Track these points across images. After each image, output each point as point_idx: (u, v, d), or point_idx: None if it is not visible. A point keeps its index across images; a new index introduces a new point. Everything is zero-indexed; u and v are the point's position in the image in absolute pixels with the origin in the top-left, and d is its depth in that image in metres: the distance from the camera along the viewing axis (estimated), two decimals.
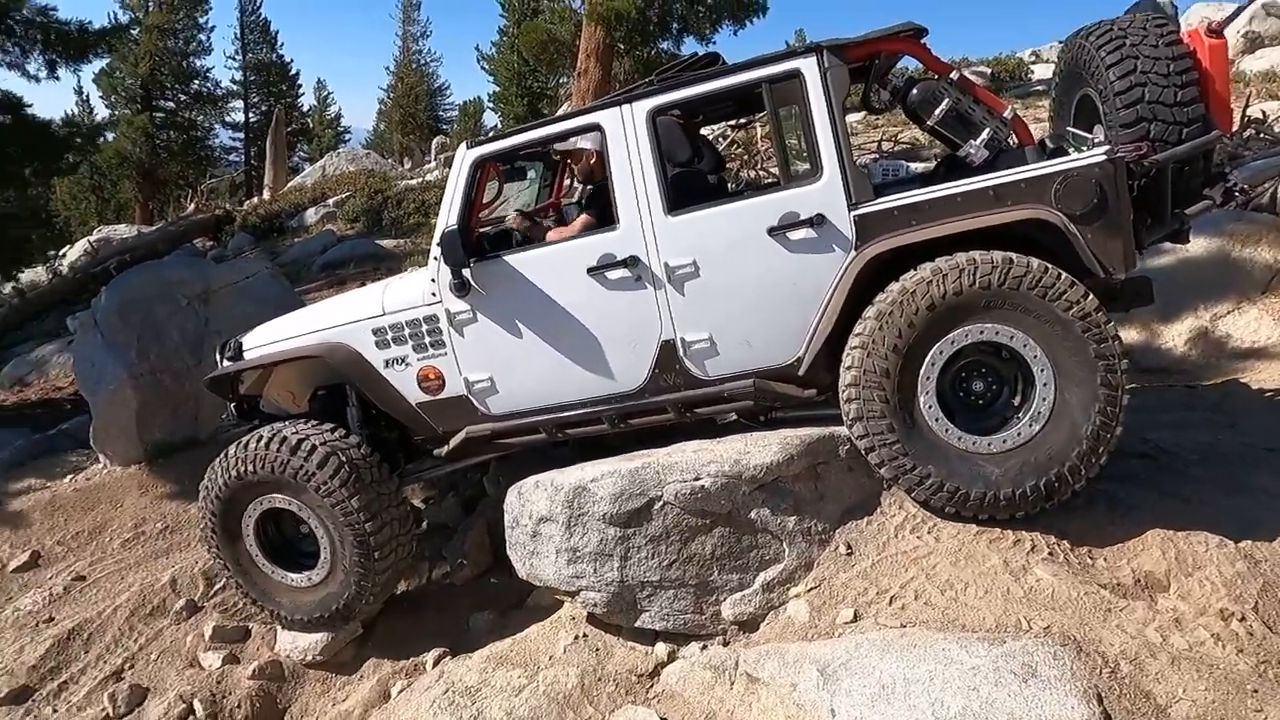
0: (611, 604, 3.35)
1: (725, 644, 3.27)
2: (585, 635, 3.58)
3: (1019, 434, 3.19)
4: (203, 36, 34.21)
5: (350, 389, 4.25)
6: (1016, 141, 3.80)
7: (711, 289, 3.56)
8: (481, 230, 4.15)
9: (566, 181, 5.14)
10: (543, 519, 3.42)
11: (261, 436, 3.93)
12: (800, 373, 3.53)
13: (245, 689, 3.96)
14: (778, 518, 3.31)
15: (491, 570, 4.66)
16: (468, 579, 4.60)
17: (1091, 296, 3.12)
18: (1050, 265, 3.14)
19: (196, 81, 34.50)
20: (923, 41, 3.74)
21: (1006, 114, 3.70)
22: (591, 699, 3.27)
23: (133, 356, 5.70)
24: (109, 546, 5.09)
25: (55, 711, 3.91)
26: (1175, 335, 5.94)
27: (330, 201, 18.27)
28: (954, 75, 3.70)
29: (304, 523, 4.03)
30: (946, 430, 3.23)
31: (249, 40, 35.52)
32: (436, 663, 3.92)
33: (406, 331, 3.94)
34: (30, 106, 7.98)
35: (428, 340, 3.92)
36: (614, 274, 3.64)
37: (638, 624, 3.37)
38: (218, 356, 4.47)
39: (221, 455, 4.02)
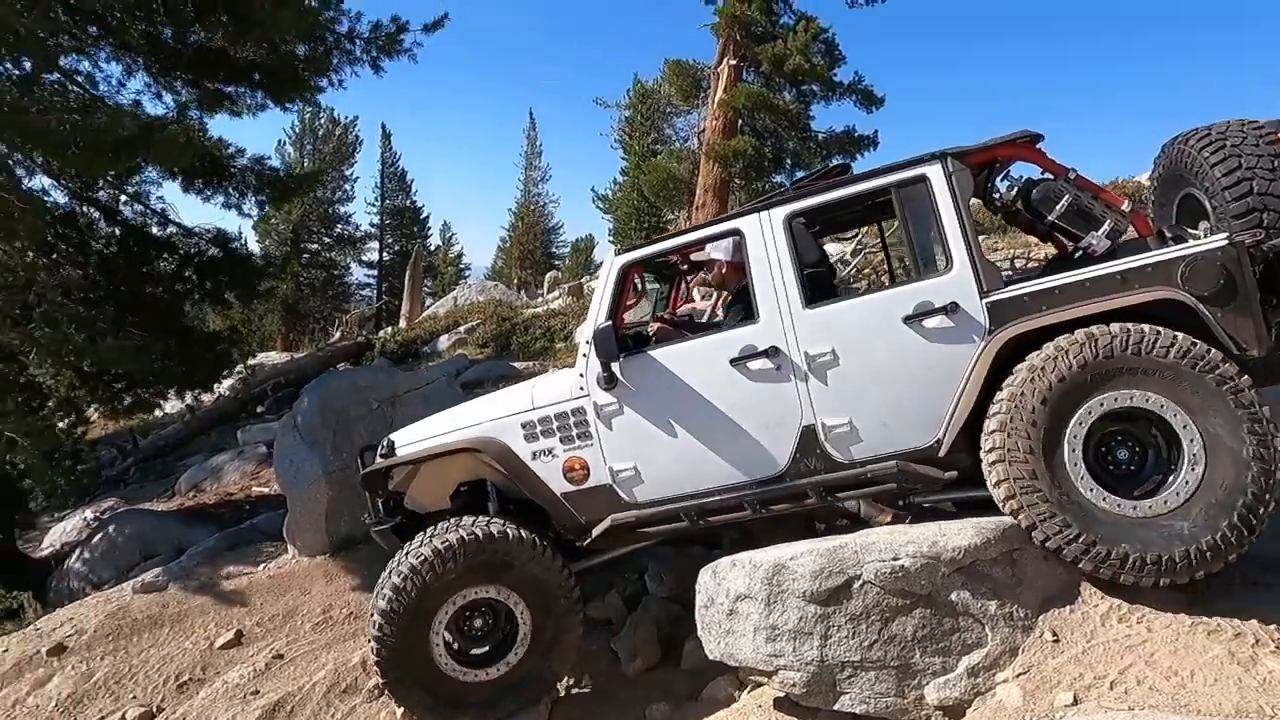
0: (811, 684, 3.38)
1: None
2: None
3: (1186, 482, 3.25)
4: (348, 186, 38.18)
5: (490, 485, 4.45)
6: (1136, 233, 3.99)
7: (850, 375, 3.77)
8: (624, 331, 4.44)
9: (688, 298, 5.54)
10: (741, 596, 3.54)
11: (476, 528, 4.07)
12: (940, 454, 3.67)
13: None
14: (979, 601, 3.33)
15: (660, 665, 4.74)
16: (638, 671, 4.68)
17: (1219, 354, 3.27)
18: (1180, 333, 3.30)
19: (339, 225, 38.16)
20: (1038, 146, 4.02)
21: (1125, 207, 3.91)
22: None
23: (329, 454, 6.24)
24: (301, 629, 5.44)
25: None
26: None
27: (462, 329, 19.53)
28: (1071, 175, 3.93)
29: (482, 617, 4.20)
30: (1119, 505, 3.30)
31: (387, 188, 39.14)
32: None
33: (555, 424, 4.18)
34: (237, 240, 9.17)
35: (575, 432, 4.15)
36: (755, 364, 3.88)
37: (836, 706, 3.38)
38: (359, 460, 4.77)
39: (432, 549, 3.99)
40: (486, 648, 4.20)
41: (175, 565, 6.41)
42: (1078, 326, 3.45)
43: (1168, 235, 3.99)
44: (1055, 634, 3.29)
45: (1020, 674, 3.18)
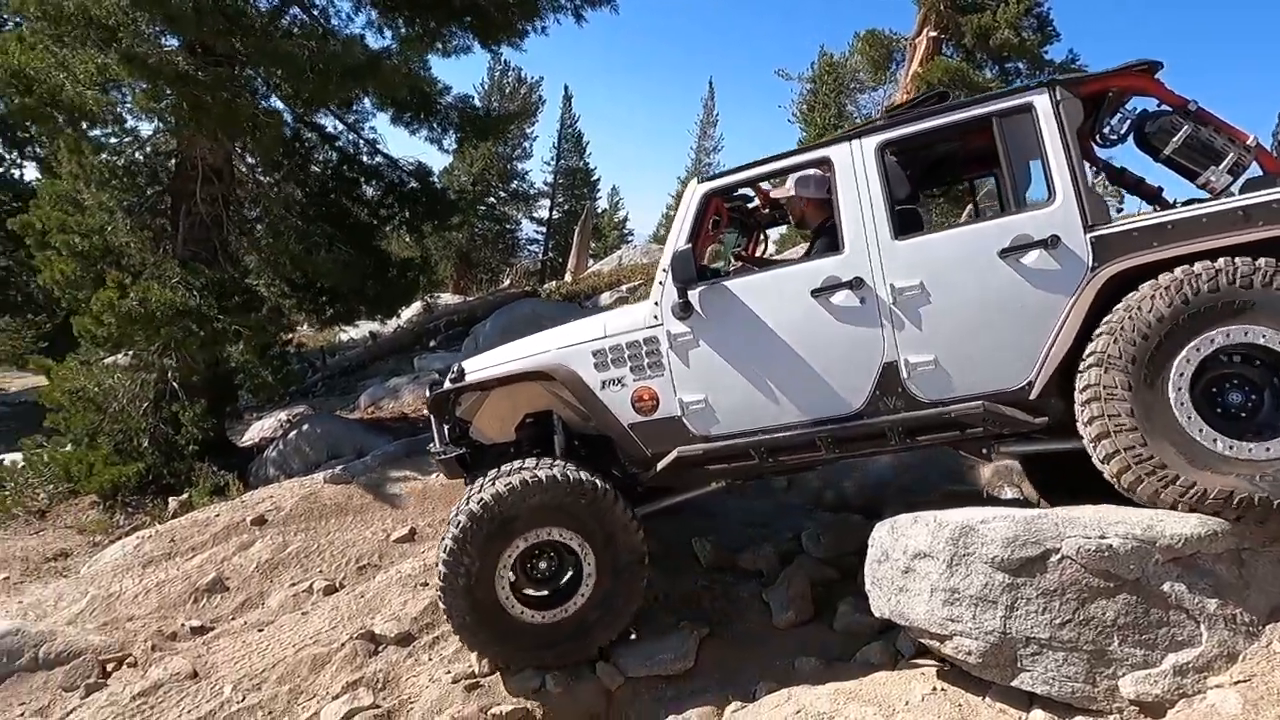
0: (988, 656, 3.19)
1: None
2: (943, 690, 3.44)
3: None
4: (526, 144, 39.57)
5: (557, 419, 4.41)
6: (1262, 169, 3.62)
7: (938, 311, 3.57)
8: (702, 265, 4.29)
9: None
10: (920, 555, 3.38)
11: (473, 502, 3.96)
12: (1031, 397, 3.43)
13: (588, 679, 4.22)
14: (1195, 597, 3.02)
15: (811, 622, 4.65)
16: (789, 624, 4.61)
17: None
18: None
19: (515, 181, 39.68)
20: (1156, 77, 3.67)
21: (1249, 142, 3.54)
22: None
23: None
24: None
25: (430, 659, 4.42)
26: None
27: (624, 288, 19.87)
28: (1191, 107, 3.59)
29: (544, 559, 4.16)
30: (1233, 448, 3.09)
31: (564, 149, 40.27)
32: (769, 693, 3.94)
33: (626, 353, 4.09)
34: (433, 175, 9.71)
35: (646, 362, 4.05)
36: (838, 296, 3.72)
37: (1014, 683, 3.18)
38: (428, 390, 4.75)
39: (447, 550, 3.92)
40: (569, 574, 4.18)
41: (360, 464, 6.95)
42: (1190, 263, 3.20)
43: None
44: None
45: (1239, 681, 2.86)
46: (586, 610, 4.12)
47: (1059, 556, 3.12)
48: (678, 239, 4.03)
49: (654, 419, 4.07)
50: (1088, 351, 3.30)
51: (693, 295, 3.96)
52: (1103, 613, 3.07)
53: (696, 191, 4.12)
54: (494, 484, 4.00)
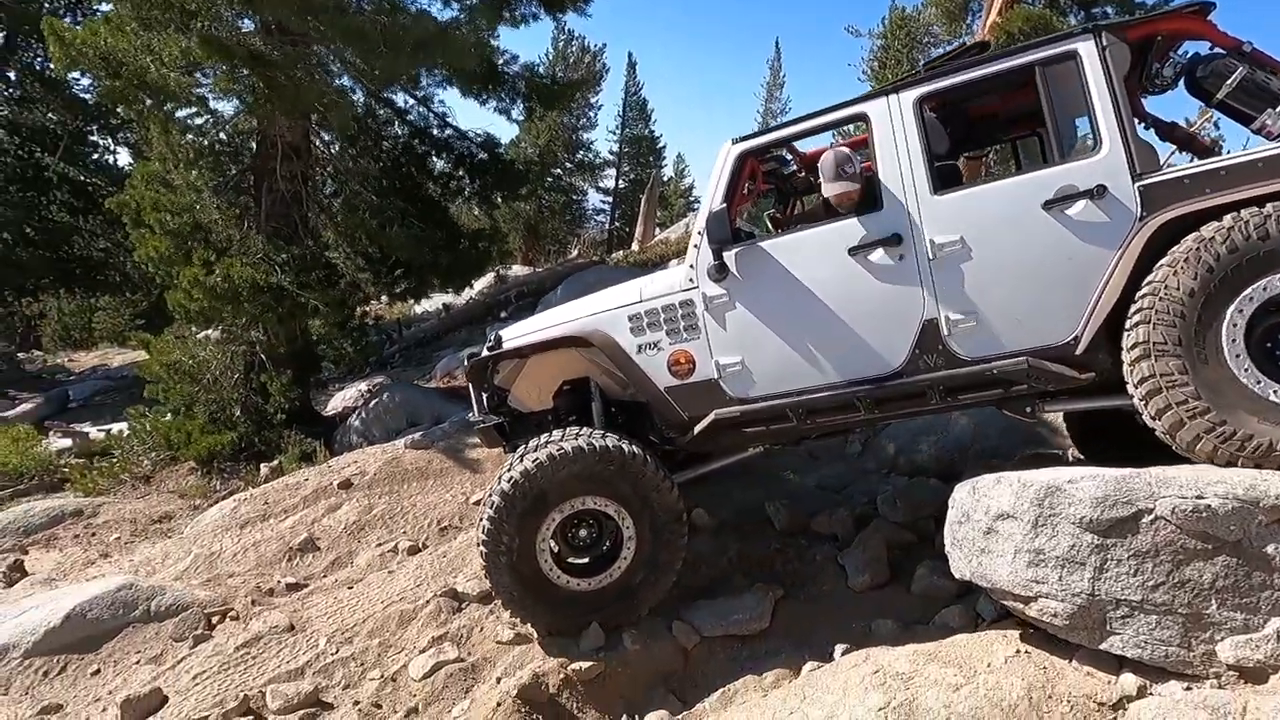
0: (1075, 618, 3.11)
1: (1220, 688, 2.88)
2: (1027, 652, 3.37)
3: None
4: (591, 114, 39.46)
5: (595, 387, 4.39)
6: None
7: (980, 266, 3.47)
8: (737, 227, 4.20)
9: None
10: (1003, 515, 3.31)
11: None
12: (1077, 352, 3.34)
13: (665, 637, 4.28)
14: None
15: (888, 585, 4.61)
16: (864, 587, 4.59)
17: None
18: None
19: (581, 152, 39.68)
20: (1208, 18, 3.48)
21: None
22: (1040, 715, 3.06)
23: None
24: None
25: (511, 616, 4.53)
26: None
27: None
28: (1246, 48, 3.42)
29: (584, 528, 4.18)
30: None
31: (628, 117, 40.03)
32: (845, 653, 3.94)
33: (662, 317, 4.06)
34: (501, 146, 9.79)
35: (682, 325, 4.02)
36: (876, 254, 3.63)
37: (1103, 646, 3.09)
38: (464, 362, 4.76)
39: (483, 536, 3.95)
40: (606, 545, 4.20)
41: (438, 430, 7.16)
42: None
43: None
44: None
45: None
46: (630, 573, 4.15)
47: (1152, 517, 3.01)
48: (712, 200, 3.99)
49: (690, 382, 4.07)
50: (1131, 343, 3.20)
51: (728, 257, 3.92)
52: (1200, 575, 2.95)
53: (731, 151, 4.07)
54: (523, 461, 4.01)
